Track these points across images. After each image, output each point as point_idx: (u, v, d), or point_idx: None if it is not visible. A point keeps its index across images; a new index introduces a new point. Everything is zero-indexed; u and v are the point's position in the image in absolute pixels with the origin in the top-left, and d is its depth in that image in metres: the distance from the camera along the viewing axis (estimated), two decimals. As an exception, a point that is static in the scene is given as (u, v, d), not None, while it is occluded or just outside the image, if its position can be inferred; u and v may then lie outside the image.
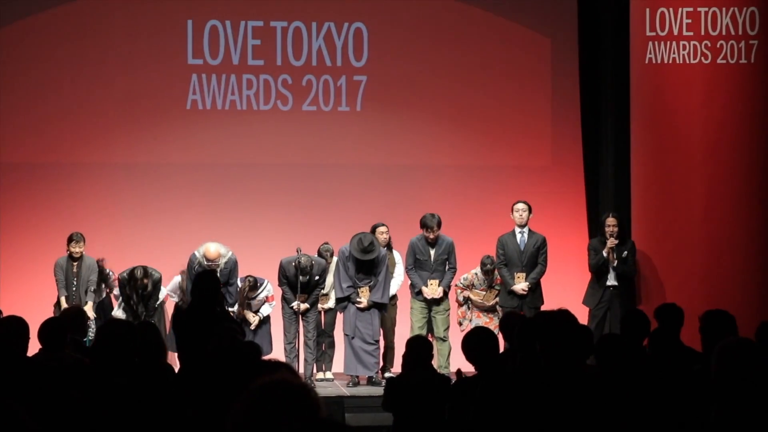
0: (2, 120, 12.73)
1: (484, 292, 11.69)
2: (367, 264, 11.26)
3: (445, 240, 11.56)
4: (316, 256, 11.56)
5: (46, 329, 6.55)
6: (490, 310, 11.70)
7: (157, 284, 11.34)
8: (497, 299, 11.62)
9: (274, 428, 2.77)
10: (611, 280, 11.55)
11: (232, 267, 11.25)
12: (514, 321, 7.05)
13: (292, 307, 11.35)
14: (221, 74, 13.06)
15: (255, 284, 11.45)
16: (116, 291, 11.63)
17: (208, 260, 11.04)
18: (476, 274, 11.73)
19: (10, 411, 2.59)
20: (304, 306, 11.34)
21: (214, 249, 11.10)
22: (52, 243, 11.65)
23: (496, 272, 11.64)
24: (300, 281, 11.19)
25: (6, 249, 12.66)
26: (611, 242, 11.45)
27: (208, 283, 8.52)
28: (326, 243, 11.69)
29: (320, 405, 2.88)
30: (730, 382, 4.75)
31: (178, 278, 11.60)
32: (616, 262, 11.47)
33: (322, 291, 11.54)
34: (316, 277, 11.37)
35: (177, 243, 11.83)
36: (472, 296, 11.71)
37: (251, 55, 13.12)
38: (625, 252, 11.51)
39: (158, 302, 11.41)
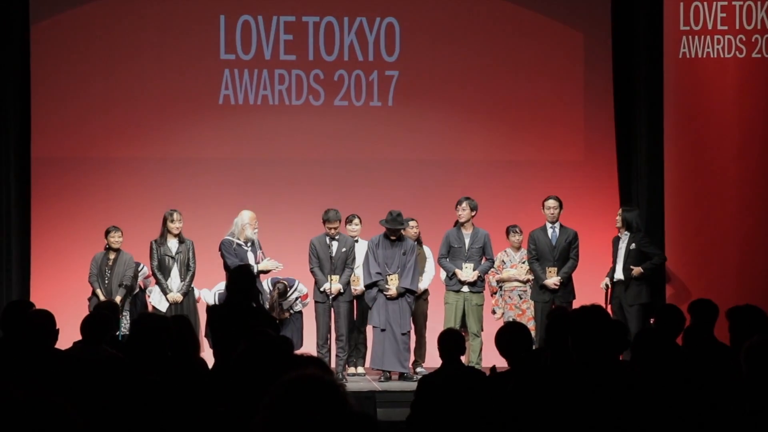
0: (36, 115, 12.80)
1: (515, 269, 11.73)
2: (395, 252, 11.31)
3: (480, 231, 11.60)
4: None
5: (90, 323, 6.61)
6: (522, 296, 11.69)
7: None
8: (530, 276, 11.65)
9: (302, 423, 2.77)
10: (618, 274, 11.54)
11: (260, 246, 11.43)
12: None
13: (323, 291, 11.30)
14: (253, 69, 13.09)
15: (284, 291, 11.45)
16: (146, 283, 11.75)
17: (252, 223, 11.26)
18: (506, 251, 11.80)
19: (57, 407, 2.60)
20: (336, 287, 11.31)
21: (252, 213, 11.40)
22: (85, 238, 11.71)
23: (523, 250, 11.71)
24: (331, 256, 11.18)
25: (40, 244, 12.73)
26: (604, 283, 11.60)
27: (243, 279, 8.56)
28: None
29: (348, 400, 2.88)
30: (761, 381, 4.71)
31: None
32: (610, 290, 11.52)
33: (354, 270, 11.53)
34: (343, 249, 11.36)
35: (209, 237, 11.85)
36: (504, 276, 11.74)
37: (283, 50, 13.14)
38: (633, 245, 11.49)
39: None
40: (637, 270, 11.41)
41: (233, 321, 7.94)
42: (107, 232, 11.49)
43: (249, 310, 8.24)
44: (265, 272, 11.32)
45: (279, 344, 4.90)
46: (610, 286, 11.57)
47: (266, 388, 3.03)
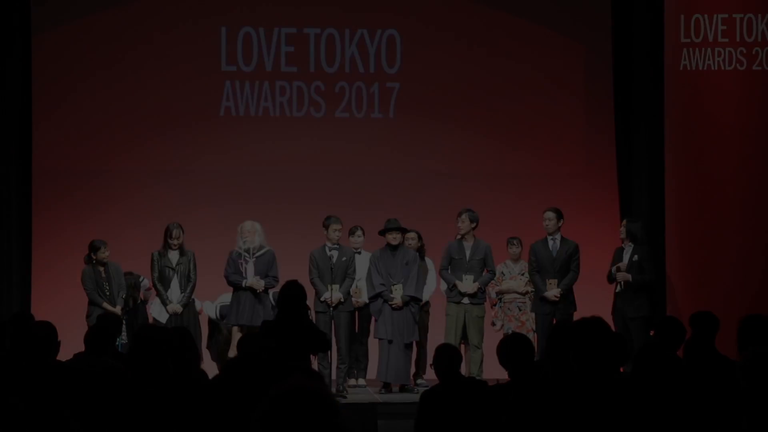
0: (37, 127, 12.81)
1: (514, 281, 11.75)
2: (398, 263, 11.32)
3: (482, 243, 11.60)
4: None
5: (94, 334, 6.61)
6: (521, 308, 11.70)
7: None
8: (529, 287, 11.66)
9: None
10: (619, 287, 11.51)
11: (271, 259, 11.34)
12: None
13: (324, 301, 11.26)
14: (254, 81, 13.11)
15: None
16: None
17: (243, 233, 11.25)
18: (505, 263, 11.84)
19: (59, 418, 2.60)
20: (336, 296, 11.27)
21: (249, 223, 11.32)
22: (85, 250, 11.69)
23: (522, 261, 11.75)
24: (331, 266, 11.16)
25: (40, 255, 12.73)
26: (615, 269, 11.47)
27: (293, 294, 8.59)
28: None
29: (337, 410, 2.88)
30: (760, 393, 4.71)
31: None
32: (620, 281, 11.42)
33: (355, 281, 11.50)
34: (343, 258, 11.34)
35: (210, 249, 11.85)
36: (503, 288, 11.75)
37: (284, 62, 13.16)
38: (636, 256, 11.43)
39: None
40: (625, 275, 11.34)
41: (284, 336, 7.94)
42: (96, 249, 11.38)
43: (299, 325, 8.26)
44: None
45: (273, 356, 4.89)
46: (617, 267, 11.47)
47: (259, 397, 3.03)
